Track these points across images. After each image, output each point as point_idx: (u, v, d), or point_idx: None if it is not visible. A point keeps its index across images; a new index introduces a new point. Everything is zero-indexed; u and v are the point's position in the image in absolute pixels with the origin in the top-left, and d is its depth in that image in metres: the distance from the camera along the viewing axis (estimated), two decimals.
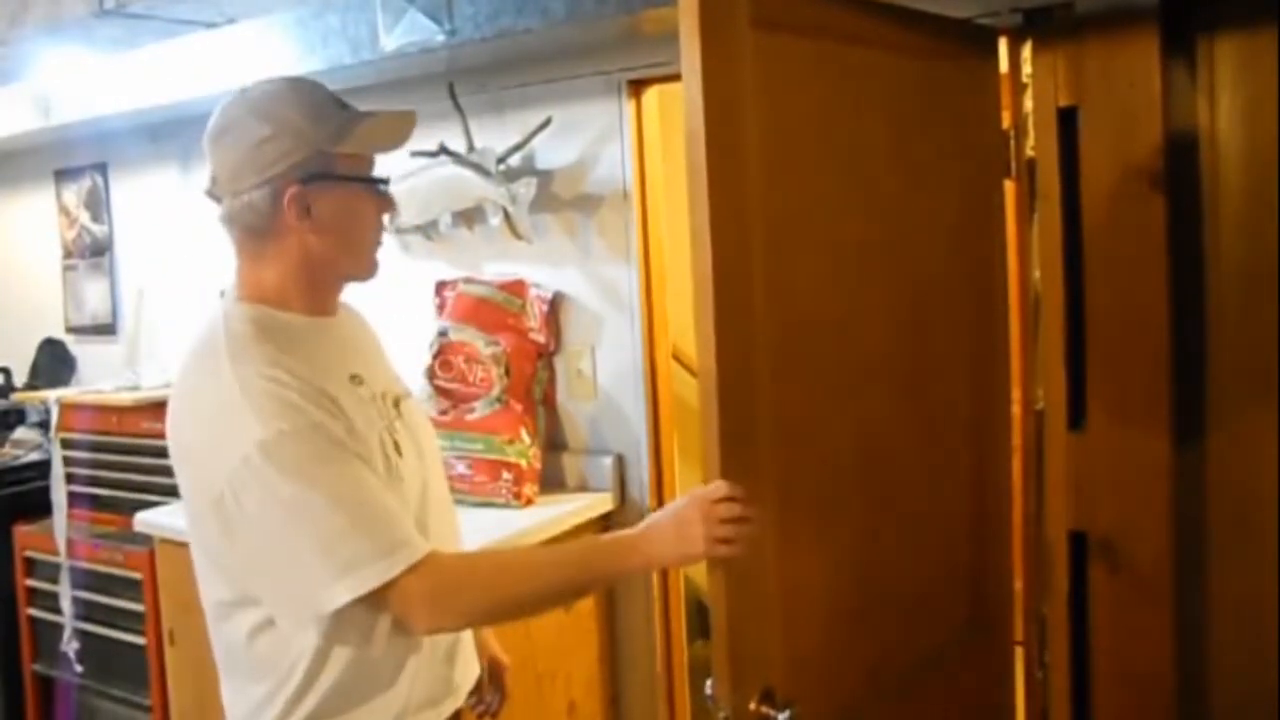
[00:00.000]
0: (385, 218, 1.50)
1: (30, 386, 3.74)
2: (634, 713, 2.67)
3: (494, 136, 2.64)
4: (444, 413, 2.60)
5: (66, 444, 3.14)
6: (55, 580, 3.10)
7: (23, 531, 3.24)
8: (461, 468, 2.53)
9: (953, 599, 1.94)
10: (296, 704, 1.39)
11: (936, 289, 1.85)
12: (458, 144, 2.62)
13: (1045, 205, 2.00)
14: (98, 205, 3.74)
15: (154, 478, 2.89)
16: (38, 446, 3.44)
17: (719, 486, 1.37)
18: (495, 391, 2.57)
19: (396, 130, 1.47)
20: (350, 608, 1.30)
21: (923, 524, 1.84)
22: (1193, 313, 1.92)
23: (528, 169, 2.63)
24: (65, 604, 3.07)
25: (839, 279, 1.64)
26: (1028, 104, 2.01)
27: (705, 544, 1.35)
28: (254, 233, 1.39)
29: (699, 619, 3.39)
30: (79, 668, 3.09)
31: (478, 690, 1.66)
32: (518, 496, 2.50)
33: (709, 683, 1.42)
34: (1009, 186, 2.05)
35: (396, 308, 2.88)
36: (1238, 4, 1.85)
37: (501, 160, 2.60)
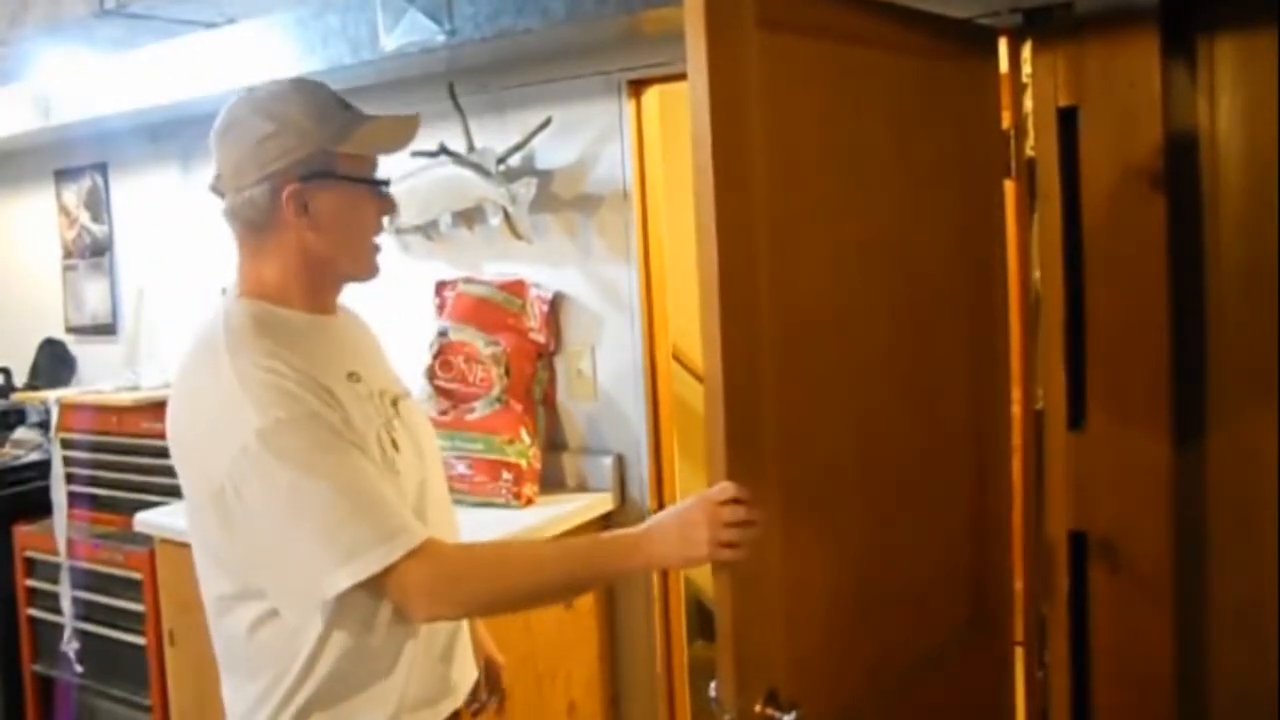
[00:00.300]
0: (385, 219, 1.51)
1: (30, 386, 3.74)
2: (634, 713, 2.67)
3: (494, 136, 2.64)
4: (444, 413, 2.60)
5: (66, 444, 3.14)
6: (55, 580, 3.10)
7: (23, 531, 3.24)
8: (461, 468, 2.53)
9: (953, 599, 1.94)
10: (292, 697, 1.39)
11: (937, 289, 1.85)
12: (458, 144, 2.63)
13: (1045, 205, 2.00)
14: (98, 205, 3.74)
15: (154, 478, 2.89)
16: (38, 446, 3.44)
17: (725, 488, 1.36)
18: (495, 391, 2.57)
19: (399, 133, 1.49)
20: (351, 594, 1.31)
21: (923, 524, 1.84)
22: (1193, 313, 1.92)
23: (528, 169, 2.63)
24: (65, 604, 3.07)
25: (840, 279, 1.64)
26: (1028, 104, 2.01)
27: (709, 547, 1.34)
28: (254, 228, 1.41)
29: (699, 619, 3.39)
30: (79, 668, 3.09)
31: (475, 692, 1.66)
32: (518, 496, 2.50)
33: (713, 685, 1.42)
34: (1009, 186, 2.05)
35: (396, 308, 2.89)
36: (1238, 4, 1.86)
37: (502, 160, 2.60)
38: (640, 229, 2.54)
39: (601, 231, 2.58)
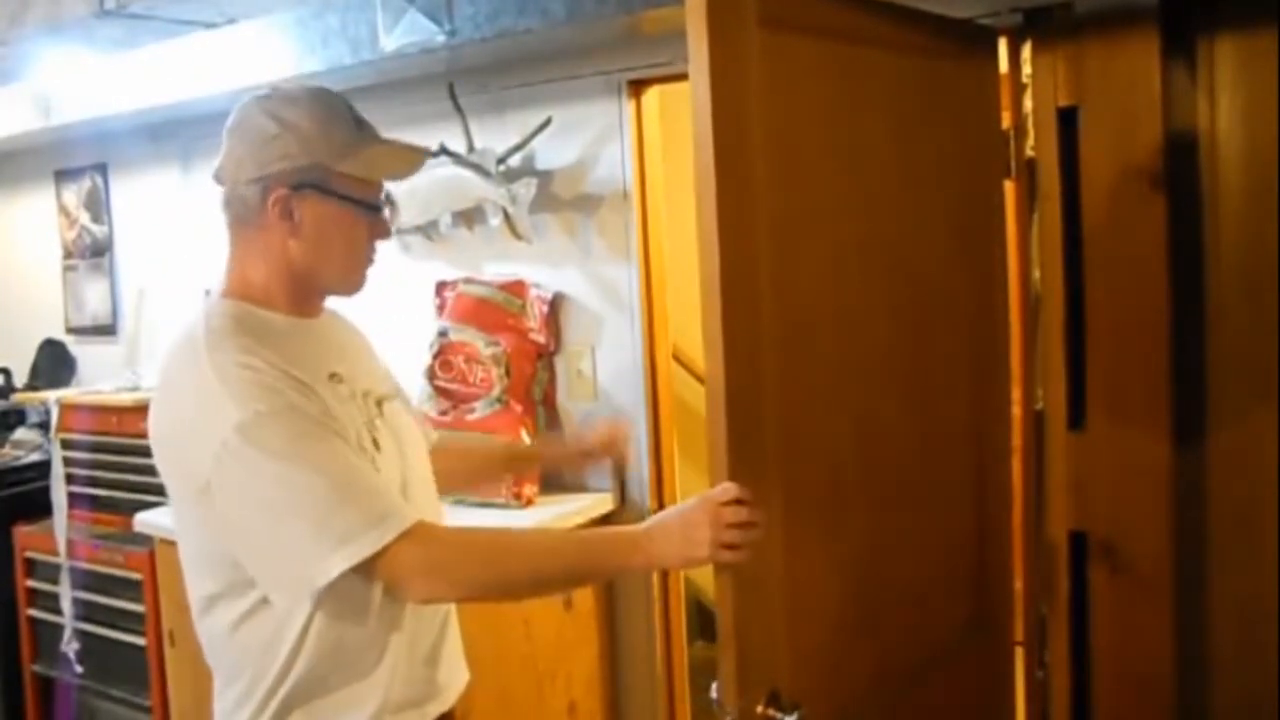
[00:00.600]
0: (378, 240, 1.51)
1: (30, 387, 3.74)
2: (634, 713, 2.67)
3: (494, 137, 2.64)
4: (444, 413, 2.61)
5: (66, 444, 3.14)
6: (55, 581, 3.10)
7: (23, 532, 3.24)
8: None
9: (953, 599, 1.94)
10: (272, 696, 1.40)
11: (937, 289, 1.85)
12: (458, 144, 2.63)
13: (1045, 205, 2.00)
14: (98, 205, 3.74)
15: (154, 478, 2.85)
16: (38, 447, 3.44)
17: (727, 489, 1.36)
18: (495, 392, 2.57)
19: (403, 162, 1.51)
20: (344, 580, 1.31)
21: (923, 524, 1.84)
22: (1193, 313, 1.92)
23: (528, 169, 2.63)
24: (65, 604, 3.07)
25: (840, 279, 1.64)
26: (1028, 104, 2.01)
27: (710, 549, 1.34)
28: (242, 223, 1.44)
29: (699, 619, 3.39)
30: (79, 668, 3.09)
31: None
32: (518, 497, 2.50)
33: (714, 685, 1.42)
34: (1009, 186, 2.05)
35: (396, 308, 2.89)
36: (1238, 4, 1.86)
37: (502, 160, 2.60)
38: (640, 229, 2.54)
39: (601, 231, 2.58)
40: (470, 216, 2.74)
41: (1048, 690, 2.10)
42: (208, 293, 1.48)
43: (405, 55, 2.46)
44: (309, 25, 2.61)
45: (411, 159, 1.51)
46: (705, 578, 1.44)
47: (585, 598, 2.57)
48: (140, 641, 2.91)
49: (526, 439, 2.55)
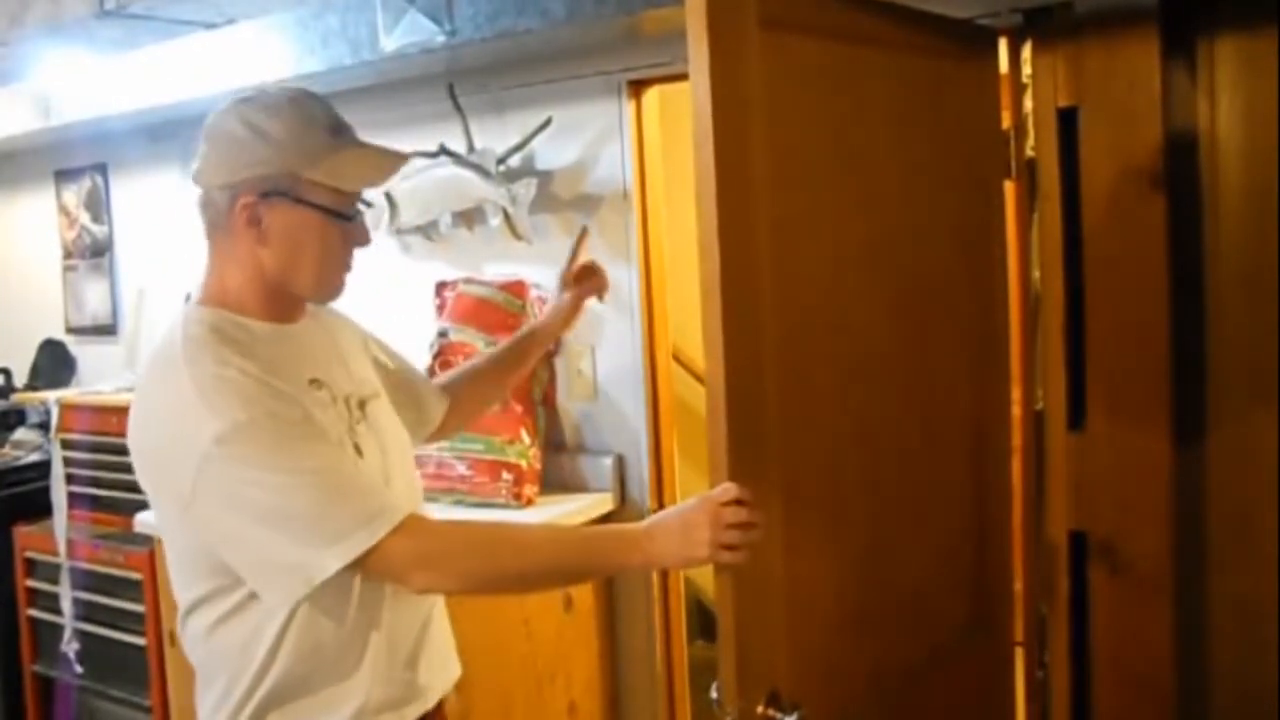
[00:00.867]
0: (356, 246, 1.49)
1: (30, 387, 3.74)
2: (634, 713, 2.67)
3: (494, 137, 2.64)
4: None
5: (66, 445, 3.14)
6: (55, 581, 3.10)
7: (23, 532, 3.24)
8: (461, 468, 2.53)
9: (953, 599, 1.94)
10: (251, 694, 1.41)
11: (937, 289, 1.85)
12: (458, 145, 2.62)
13: (1045, 205, 2.00)
14: (98, 206, 3.74)
15: None
16: (38, 447, 3.44)
17: (727, 489, 1.36)
18: None
19: (378, 169, 1.48)
20: (327, 581, 1.32)
21: (923, 524, 1.84)
22: (1193, 313, 1.92)
23: (528, 169, 2.63)
24: (65, 605, 3.07)
25: (840, 279, 1.64)
26: (1028, 104, 2.01)
27: (710, 549, 1.35)
28: (214, 228, 1.44)
29: (699, 619, 3.39)
30: (79, 668, 3.09)
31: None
32: (518, 497, 2.50)
33: (715, 686, 1.42)
34: (1009, 186, 2.05)
35: (396, 308, 2.89)
36: (1238, 5, 1.86)
37: (501, 161, 2.60)
38: (640, 229, 2.54)
39: (601, 231, 2.58)
40: (470, 217, 2.74)
41: (1048, 690, 2.10)
42: (188, 297, 1.48)
43: (405, 55, 2.46)
44: (309, 25, 2.61)
45: (386, 165, 1.48)
46: (705, 577, 1.44)
47: (585, 598, 2.57)
48: (140, 641, 2.91)
49: (526, 439, 2.55)
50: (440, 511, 2.33)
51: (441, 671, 1.60)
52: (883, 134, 1.72)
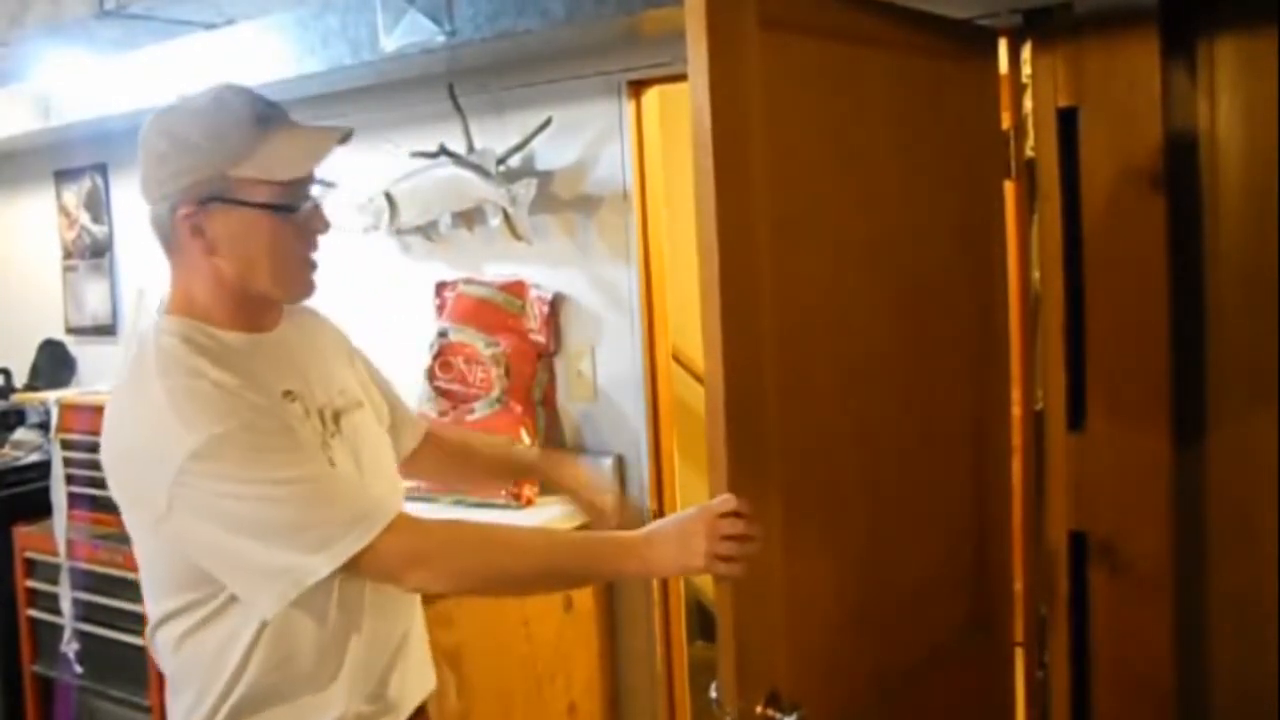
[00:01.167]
0: (315, 235, 1.43)
1: (30, 387, 3.74)
2: (634, 713, 2.67)
3: (494, 137, 2.64)
4: (444, 413, 2.61)
5: (66, 445, 3.13)
6: (55, 581, 3.09)
7: (23, 532, 3.23)
8: None
9: (953, 599, 1.94)
10: (222, 702, 1.40)
11: (937, 289, 1.85)
12: (458, 145, 2.62)
13: (1045, 205, 2.00)
14: (98, 206, 3.74)
15: None
16: (38, 447, 3.43)
17: (726, 500, 1.36)
18: (495, 392, 2.57)
19: (308, 153, 1.39)
20: (304, 592, 1.31)
21: (923, 525, 1.84)
22: (1193, 313, 1.92)
23: (528, 170, 2.63)
24: (65, 605, 3.07)
25: (841, 280, 1.64)
26: (1028, 104, 2.01)
27: (706, 559, 1.34)
28: (165, 243, 1.41)
29: (699, 619, 3.39)
30: (79, 669, 3.09)
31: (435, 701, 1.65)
32: (517, 497, 2.50)
33: (714, 686, 1.42)
34: (1009, 186, 2.05)
35: (396, 308, 2.89)
36: (1238, 5, 1.86)
37: (501, 161, 2.60)
38: (640, 229, 2.53)
39: (601, 232, 2.58)
40: (470, 217, 2.74)
41: (1047, 690, 2.09)
42: (160, 306, 1.45)
43: (405, 56, 2.46)
44: (309, 26, 2.61)
45: (319, 146, 1.39)
46: (705, 579, 1.44)
47: (585, 599, 2.57)
48: (140, 641, 2.90)
49: (526, 439, 2.55)
50: (440, 511, 2.33)
51: (416, 686, 1.58)
52: (882, 134, 1.72)
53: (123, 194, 3.68)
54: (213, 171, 1.33)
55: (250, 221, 1.36)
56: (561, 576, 1.55)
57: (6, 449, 3.52)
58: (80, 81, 3.16)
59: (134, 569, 2.89)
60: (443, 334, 2.66)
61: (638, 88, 2.53)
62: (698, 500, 1.41)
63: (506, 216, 2.59)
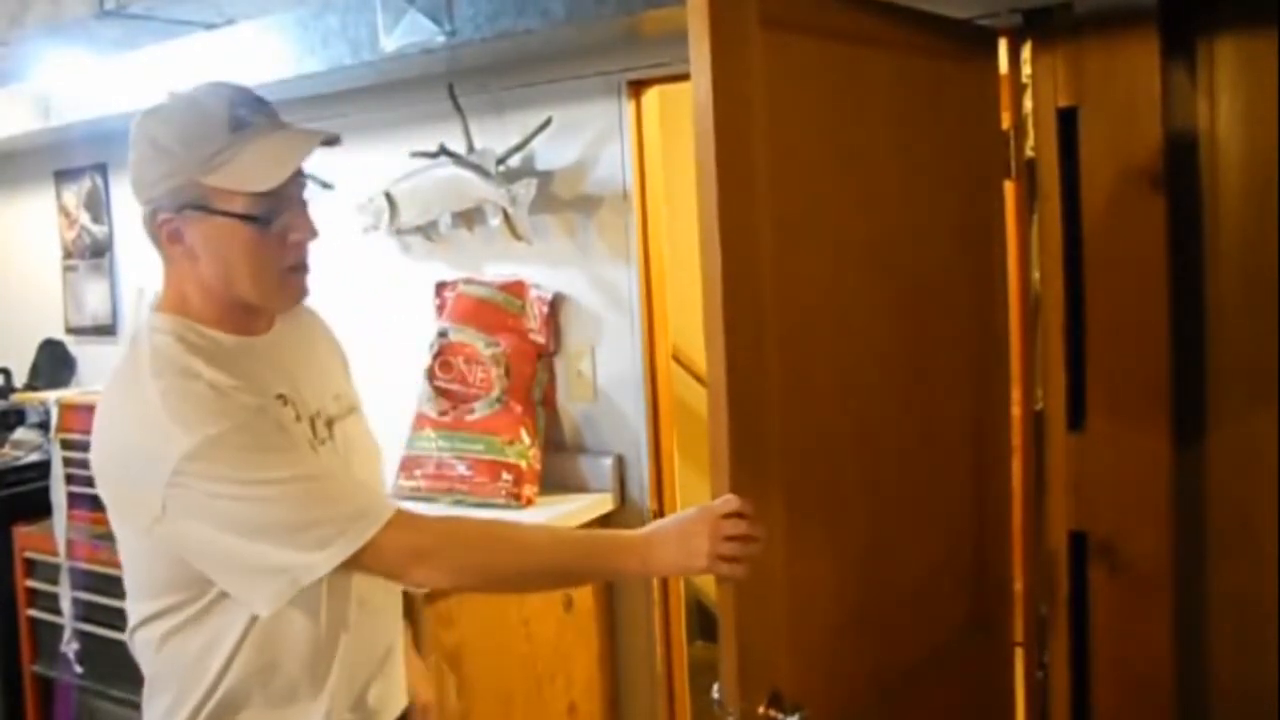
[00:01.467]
0: (298, 244, 1.39)
1: (30, 387, 3.73)
2: (634, 713, 2.67)
3: (494, 137, 2.64)
4: (444, 413, 2.61)
5: (66, 445, 3.13)
6: (55, 581, 3.09)
7: (23, 532, 3.23)
8: (461, 468, 2.53)
9: (953, 599, 1.94)
10: (203, 705, 1.39)
11: (937, 289, 1.85)
12: (458, 145, 2.62)
13: (1045, 205, 2.00)
14: (98, 206, 3.74)
15: None
16: (38, 447, 3.43)
17: (728, 501, 1.36)
18: (495, 392, 2.57)
19: (280, 163, 1.33)
20: (288, 602, 1.31)
21: (923, 524, 1.84)
22: (1193, 313, 1.92)
23: (528, 170, 2.63)
24: (65, 605, 3.07)
25: (841, 279, 1.64)
26: (1028, 104, 2.01)
27: (708, 560, 1.34)
28: (154, 244, 1.40)
29: (699, 619, 3.39)
30: (79, 668, 3.09)
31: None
32: (517, 498, 2.50)
33: (716, 687, 1.42)
34: (1009, 186, 2.05)
35: (396, 308, 2.89)
36: (1238, 5, 1.86)
37: (501, 161, 2.60)
38: (640, 229, 2.54)
39: (601, 232, 2.58)
40: (470, 217, 2.74)
41: (1047, 690, 2.09)
42: (155, 295, 1.44)
43: (405, 56, 2.46)
44: (309, 26, 2.61)
45: (294, 154, 1.34)
46: (706, 579, 1.44)
47: (585, 599, 2.57)
48: None
49: (526, 439, 2.55)
50: (440, 511, 2.33)
51: (394, 701, 1.57)
52: (883, 134, 1.72)
53: (123, 194, 3.68)
54: (186, 179, 1.32)
55: (225, 230, 1.33)
56: (561, 574, 1.54)
57: (6, 449, 3.52)
58: (80, 81, 3.16)
59: None
60: (443, 334, 2.66)
61: (638, 88, 2.53)
62: (698, 500, 1.41)
63: (506, 216, 2.59)
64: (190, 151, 1.31)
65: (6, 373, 3.86)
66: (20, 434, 3.56)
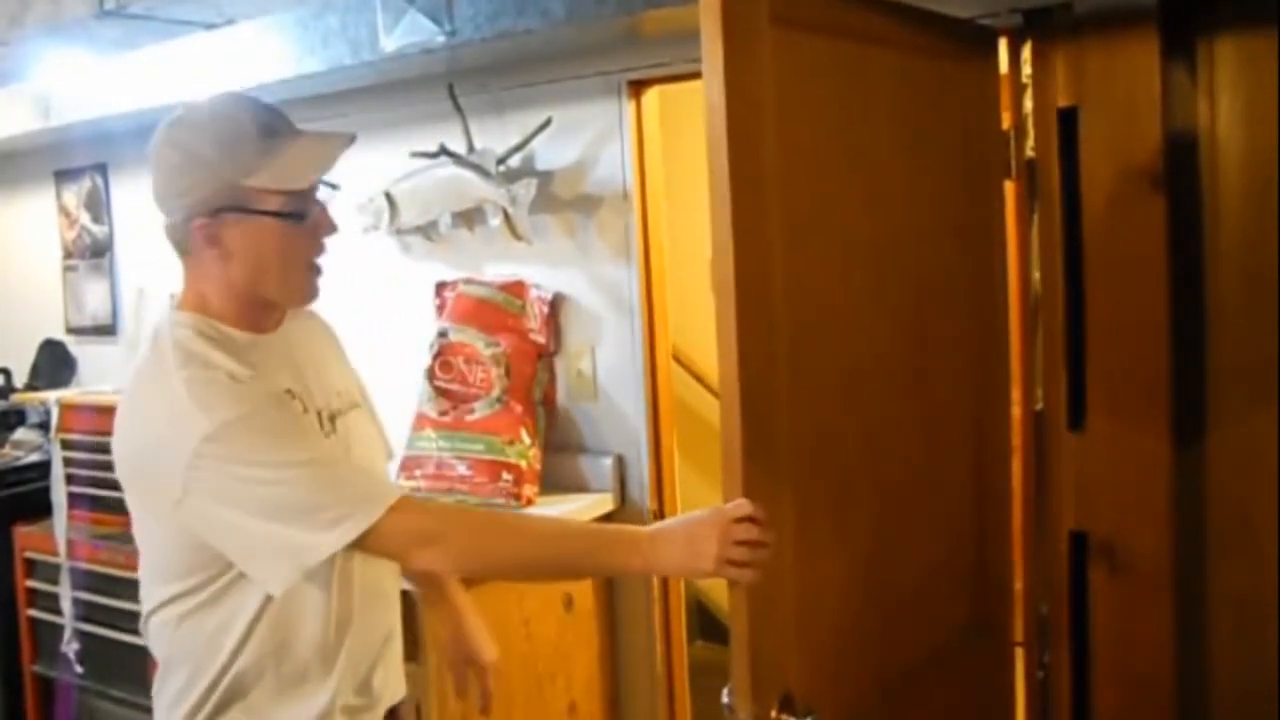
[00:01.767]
0: (325, 238, 1.48)
1: (30, 387, 3.73)
2: (634, 713, 2.67)
3: (494, 137, 2.64)
4: (444, 413, 2.61)
5: (66, 445, 3.13)
6: (55, 581, 3.09)
7: (23, 532, 3.23)
8: (461, 468, 2.53)
9: (954, 600, 1.94)
10: (214, 688, 1.43)
11: (938, 289, 1.85)
12: (458, 145, 2.62)
13: (1045, 205, 2.01)
14: (98, 206, 3.74)
15: None
16: (38, 447, 3.43)
17: (741, 505, 1.36)
18: (495, 392, 2.57)
19: (318, 159, 1.43)
20: (298, 581, 1.36)
21: (925, 524, 1.84)
22: (1193, 313, 1.92)
23: (528, 170, 2.63)
24: (65, 605, 3.07)
25: (848, 279, 1.64)
26: (1028, 104, 2.01)
27: (714, 564, 1.34)
28: (180, 250, 1.45)
29: (699, 619, 3.39)
30: (79, 668, 3.09)
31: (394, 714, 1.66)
32: (518, 497, 2.50)
33: (726, 691, 1.41)
34: (1009, 186, 2.05)
35: (396, 308, 2.89)
36: (1238, 5, 1.86)
37: (501, 161, 2.60)
38: (640, 229, 2.54)
39: (601, 232, 2.58)
40: (470, 217, 2.74)
41: (1048, 690, 2.09)
42: (172, 296, 1.49)
43: (405, 56, 2.46)
44: (309, 25, 2.61)
45: (329, 152, 1.44)
46: (709, 580, 1.44)
47: (585, 598, 2.58)
48: (140, 641, 2.90)
49: (526, 439, 2.55)
50: None
51: (395, 686, 1.61)
52: (886, 134, 1.72)
53: (123, 194, 3.68)
54: (225, 183, 1.37)
55: (263, 229, 1.40)
56: (564, 565, 1.56)
57: (6, 449, 3.52)
58: (80, 81, 3.16)
59: (134, 569, 2.89)
60: (443, 334, 2.66)
61: (638, 88, 2.53)
62: (698, 500, 1.41)
63: (506, 216, 2.59)
64: (227, 157, 1.37)
65: (7, 373, 3.86)
66: (20, 434, 3.56)
